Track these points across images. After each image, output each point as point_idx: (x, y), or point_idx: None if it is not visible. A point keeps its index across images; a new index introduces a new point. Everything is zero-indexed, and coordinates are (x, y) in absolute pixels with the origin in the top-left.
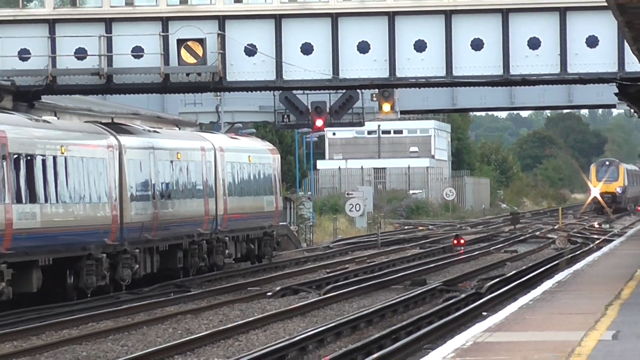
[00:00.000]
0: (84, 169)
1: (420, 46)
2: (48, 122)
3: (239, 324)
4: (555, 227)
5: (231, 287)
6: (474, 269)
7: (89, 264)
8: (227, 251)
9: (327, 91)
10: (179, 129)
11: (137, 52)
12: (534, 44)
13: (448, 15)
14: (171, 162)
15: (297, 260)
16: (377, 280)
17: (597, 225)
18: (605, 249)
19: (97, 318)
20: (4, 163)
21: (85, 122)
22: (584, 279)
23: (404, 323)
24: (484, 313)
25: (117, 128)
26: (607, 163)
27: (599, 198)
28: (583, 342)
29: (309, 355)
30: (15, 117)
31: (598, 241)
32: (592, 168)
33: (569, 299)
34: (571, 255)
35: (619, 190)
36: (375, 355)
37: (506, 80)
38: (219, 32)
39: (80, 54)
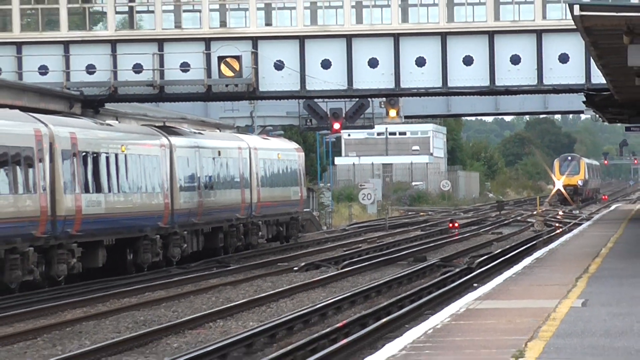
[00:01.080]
0: (140, 165)
1: (420, 62)
2: (110, 125)
3: (270, 293)
4: (534, 212)
5: (263, 263)
6: (466, 247)
7: (145, 244)
8: (260, 233)
9: (342, 99)
10: (220, 131)
11: (185, 67)
12: (515, 60)
13: (444, 36)
14: (213, 158)
15: (319, 241)
16: (385, 257)
17: (561, 213)
18: (575, 231)
19: (152, 289)
20: (74, 159)
21: (142, 125)
22: (558, 256)
23: (408, 293)
24: (475, 284)
25: (168, 130)
26: (569, 158)
27: (562, 190)
28: (557, 308)
29: (328, 319)
30: (83, 121)
31: (569, 224)
32: (555, 163)
33: (546, 273)
34: (549, 236)
35: (580, 182)
36: (383, 320)
37: (492, 91)
38: (253, 50)
39: (137, 68)
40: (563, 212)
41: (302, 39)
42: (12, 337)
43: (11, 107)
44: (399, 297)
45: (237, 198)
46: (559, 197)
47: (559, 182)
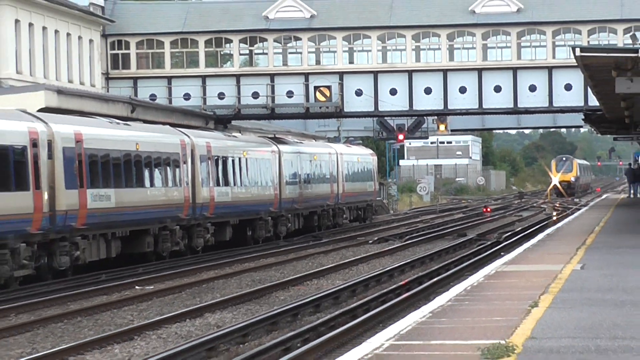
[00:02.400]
0: (257, 165)
1: (462, 90)
2: (235, 136)
3: (352, 260)
4: (545, 200)
5: (347, 238)
6: (496, 226)
7: (260, 223)
8: (344, 215)
9: (405, 117)
10: (315, 140)
11: (289, 94)
12: (532, 88)
13: (480, 71)
14: (310, 161)
15: (387, 221)
16: (436, 233)
17: (558, 205)
18: (576, 214)
19: (265, 256)
20: (209, 162)
21: (258, 136)
22: (563, 232)
23: (453, 259)
24: (502, 253)
25: (277, 140)
26: (564, 158)
27: (558, 185)
28: (562, 271)
29: (394, 279)
30: (215, 133)
31: (571, 209)
32: (553, 162)
33: (554, 245)
34: (559, 217)
35: (573, 179)
36: (434, 279)
37: (515, 111)
38: (339, 81)
39: (255, 95)
40: (565, 201)
41: (375, 73)
42: (164, 292)
43: (164, 123)
44: (446, 262)
45: (328, 190)
46: (556, 191)
47: (555, 179)
